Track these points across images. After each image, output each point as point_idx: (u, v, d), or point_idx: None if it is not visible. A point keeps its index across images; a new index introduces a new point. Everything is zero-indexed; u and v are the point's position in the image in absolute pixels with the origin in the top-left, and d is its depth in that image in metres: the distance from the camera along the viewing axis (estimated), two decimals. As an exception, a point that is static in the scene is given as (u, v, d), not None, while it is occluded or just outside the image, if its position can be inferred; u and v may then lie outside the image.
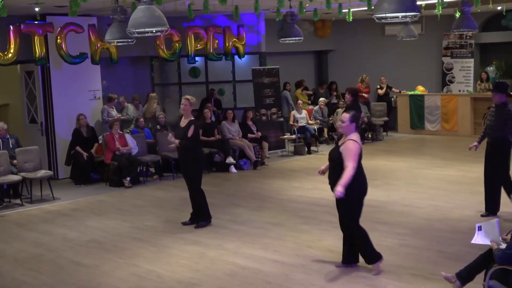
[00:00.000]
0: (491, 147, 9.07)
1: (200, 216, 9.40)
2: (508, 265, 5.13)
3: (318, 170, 7.58)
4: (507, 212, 8.78)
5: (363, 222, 9.11)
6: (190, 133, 9.11)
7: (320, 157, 15.25)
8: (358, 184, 6.89)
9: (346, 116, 6.95)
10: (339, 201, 6.88)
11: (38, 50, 13.07)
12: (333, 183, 6.90)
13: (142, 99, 15.48)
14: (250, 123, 14.79)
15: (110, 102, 14.06)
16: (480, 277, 5.59)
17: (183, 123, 9.30)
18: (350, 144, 6.82)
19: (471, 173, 12.29)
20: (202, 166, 9.86)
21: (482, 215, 9.09)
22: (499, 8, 17.13)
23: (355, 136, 6.90)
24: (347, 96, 11.43)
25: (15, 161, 11.63)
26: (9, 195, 11.73)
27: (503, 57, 19.69)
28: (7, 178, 11.22)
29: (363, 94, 18.65)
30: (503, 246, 5.31)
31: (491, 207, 9.09)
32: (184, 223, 9.47)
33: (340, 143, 7.04)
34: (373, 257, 7.05)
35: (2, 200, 11.32)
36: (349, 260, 7.25)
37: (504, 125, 8.82)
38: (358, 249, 7.19)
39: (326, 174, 7.25)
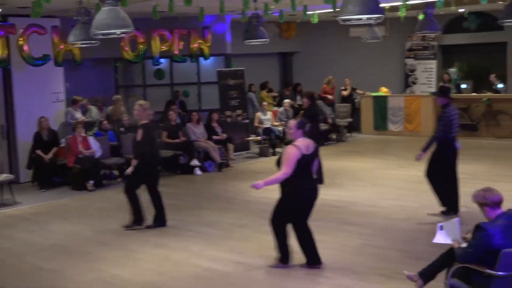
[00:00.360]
0: (437, 148, 9.48)
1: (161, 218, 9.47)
2: (469, 264, 5.21)
3: None
4: (467, 212, 8.92)
5: (329, 222, 9.22)
6: (139, 137, 9.15)
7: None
8: (297, 192, 7.08)
9: (292, 123, 7.16)
10: (279, 199, 7.18)
11: (-1, 52, 12.91)
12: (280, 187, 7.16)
13: (106, 101, 15.35)
14: (215, 125, 14.79)
15: (74, 105, 13.93)
16: (442, 275, 5.68)
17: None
18: (289, 149, 6.99)
19: (434, 173, 12.48)
20: (156, 169, 9.66)
21: (442, 212, 9.39)
22: (461, 10, 17.41)
23: (300, 142, 7.01)
24: (304, 100, 11.54)
25: (-25, 165, 11.45)
26: (-31, 200, 11.55)
27: (465, 59, 20.03)
28: (-33, 182, 11.06)
29: (328, 96, 18.84)
30: (464, 245, 5.39)
31: (447, 202, 9.46)
32: (148, 226, 9.43)
33: None
34: (283, 257, 7.27)
35: (-38, 205, 11.14)
36: (312, 261, 7.30)
37: (444, 126, 9.30)
38: (279, 244, 7.34)
39: None
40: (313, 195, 7.20)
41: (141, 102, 9.52)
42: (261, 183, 6.95)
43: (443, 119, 9.33)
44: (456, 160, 9.55)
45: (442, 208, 9.43)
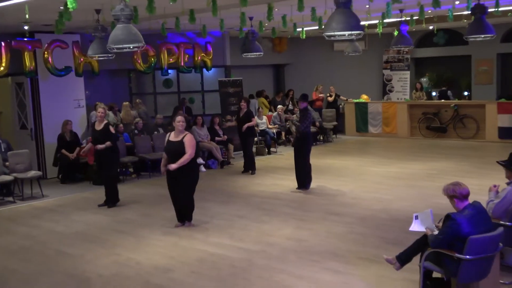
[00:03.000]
0: (298, 140, 11.00)
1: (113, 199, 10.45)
2: (440, 249, 5.21)
3: None
4: (439, 203, 8.91)
5: (316, 212, 9.22)
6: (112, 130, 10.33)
7: (279, 157, 15.32)
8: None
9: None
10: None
11: (27, 64, 12.88)
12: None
13: (121, 106, 15.33)
14: (217, 127, 14.76)
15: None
16: (416, 259, 5.67)
17: (99, 126, 10.27)
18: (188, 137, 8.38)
19: (408, 170, 12.50)
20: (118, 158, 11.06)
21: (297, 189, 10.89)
22: (431, 27, 17.47)
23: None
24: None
25: (7, 163, 11.43)
26: (2, 194, 11.50)
27: (434, 70, 20.09)
28: (0, 178, 11.01)
29: (320, 96, 18.88)
30: (436, 232, 5.39)
31: (303, 183, 10.97)
32: (100, 205, 10.39)
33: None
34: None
35: (-5, 198, 11.12)
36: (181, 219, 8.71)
37: (306, 123, 10.77)
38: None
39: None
40: None
41: (103, 105, 10.95)
42: (175, 165, 8.19)
43: (306, 118, 10.78)
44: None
45: None
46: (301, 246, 7.54)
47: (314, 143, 16.94)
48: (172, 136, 8.58)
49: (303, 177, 11.00)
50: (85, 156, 12.42)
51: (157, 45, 15.20)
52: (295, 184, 11.11)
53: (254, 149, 16.04)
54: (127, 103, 14.94)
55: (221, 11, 9.85)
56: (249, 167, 13.11)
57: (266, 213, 9.40)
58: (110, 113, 14.50)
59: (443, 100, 18.12)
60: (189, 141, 8.41)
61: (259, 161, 14.82)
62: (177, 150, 8.36)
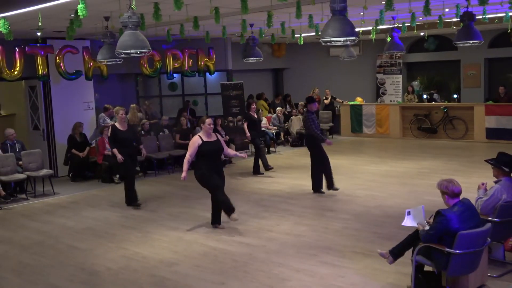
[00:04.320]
0: (306, 140, 10.58)
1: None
2: (431, 243, 5.19)
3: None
4: (430, 200, 8.92)
5: (314, 208, 9.20)
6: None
7: (278, 156, 15.31)
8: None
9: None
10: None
11: (40, 68, 12.90)
12: None
13: (128, 108, 15.31)
14: (219, 128, 14.72)
15: (106, 111, 13.86)
16: (408, 253, 5.66)
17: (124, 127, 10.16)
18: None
19: (400, 168, 12.48)
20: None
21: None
22: (421, 33, 17.46)
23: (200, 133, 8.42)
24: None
25: (20, 162, 11.42)
26: (15, 191, 11.49)
27: (425, 74, 20.07)
28: (14, 176, 11.01)
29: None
30: (427, 227, 5.37)
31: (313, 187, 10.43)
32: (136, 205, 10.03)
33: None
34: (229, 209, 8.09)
35: (10, 195, 11.09)
36: (214, 221, 8.39)
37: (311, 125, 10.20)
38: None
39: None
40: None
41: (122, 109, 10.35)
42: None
43: (314, 120, 10.26)
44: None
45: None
46: (299, 241, 7.53)
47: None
48: (205, 138, 8.35)
49: (313, 181, 10.48)
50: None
51: (163, 50, 15.20)
52: (294, 182, 11.09)
53: (254, 149, 16.05)
54: (134, 105, 14.92)
55: (223, 18, 9.84)
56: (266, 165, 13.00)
57: (265, 209, 9.39)
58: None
59: (433, 103, 18.11)
60: (222, 139, 8.71)
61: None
62: (219, 148, 8.45)
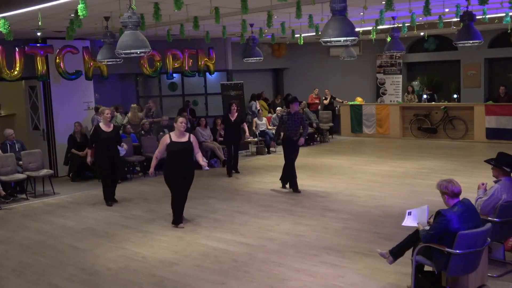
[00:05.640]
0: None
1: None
2: (431, 243, 5.19)
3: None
4: (430, 200, 8.91)
5: (314, 209, 9.20)
6: None
7: (278, 156, 15.30)
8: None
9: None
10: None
11: (40, 68, 12.89)
12: None
13: (128, 108, 15.31)
14: (219, 128, 14.74)
15: (98, 112, 13.87)
16: (408, 253, 5.66)
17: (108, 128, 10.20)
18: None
19: (400, 168, 12.48)
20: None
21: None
22: (421, 34, 17.45)
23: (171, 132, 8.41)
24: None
25: (20, 162, 11.42)
26: (15, 191, 11.48)
27: (425, 74, 20.03)
28: (14, 176, 11.01)
29: (315, 102, 18.86)
30: (427, 227, 5.37)
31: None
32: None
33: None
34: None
35: (10, 195, 11.09)
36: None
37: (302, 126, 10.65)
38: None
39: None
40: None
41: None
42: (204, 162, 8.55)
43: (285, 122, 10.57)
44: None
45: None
46: (299, 240, 7.52)
47: (311, 143, 17.05)
48: (175, 137, 8.41)
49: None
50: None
51: (163, 50, 15.20)
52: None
53: (254, 149, 16.09)
54: (135, 105, 14.92)
55: (223, 18, 9.83)
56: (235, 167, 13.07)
57: (265, 209, 9.39)
58: (118, 114, 14.49)
59: (433, 103, 18.10)
60: (195, 141, 8.55)
61: (259, 160, 14.84)
62: (186, 149, 8.36)
